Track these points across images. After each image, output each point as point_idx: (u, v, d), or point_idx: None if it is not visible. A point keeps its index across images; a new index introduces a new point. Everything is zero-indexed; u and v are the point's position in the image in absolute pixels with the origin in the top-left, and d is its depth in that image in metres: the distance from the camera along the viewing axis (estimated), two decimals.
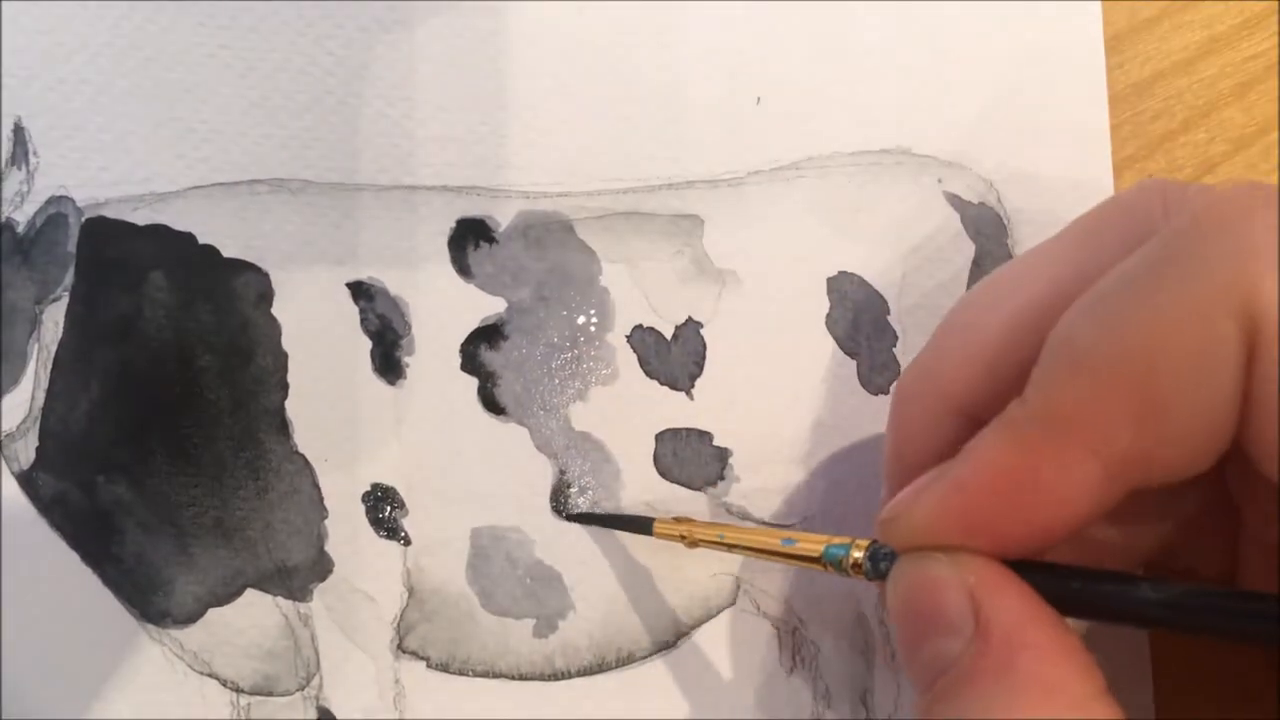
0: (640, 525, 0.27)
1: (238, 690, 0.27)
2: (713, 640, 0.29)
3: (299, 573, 0.27)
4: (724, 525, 0.27)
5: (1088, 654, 0.18)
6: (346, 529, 0.28)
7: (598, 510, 0.28)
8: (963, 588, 0.19)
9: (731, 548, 0.25)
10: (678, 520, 0.27)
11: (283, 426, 0.28)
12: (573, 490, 0.28)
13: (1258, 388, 0.17)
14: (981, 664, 0.18)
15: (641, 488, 0.29)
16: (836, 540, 0.23)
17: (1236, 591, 0.20)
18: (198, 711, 0.27)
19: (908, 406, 0.24)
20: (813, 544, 0.24)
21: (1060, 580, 0.19)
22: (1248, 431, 0.18)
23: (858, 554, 0.22)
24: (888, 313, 0.29)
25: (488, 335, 0.28)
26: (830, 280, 0.29)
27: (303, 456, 0.28)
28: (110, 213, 0.28)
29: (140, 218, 0.27)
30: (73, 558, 0.27)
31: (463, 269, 0.28)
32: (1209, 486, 0.22)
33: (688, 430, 0.29)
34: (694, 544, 0.26)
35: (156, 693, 0.27)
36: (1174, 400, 0.17)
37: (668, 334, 0.29)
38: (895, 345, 0.29)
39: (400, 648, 0.28)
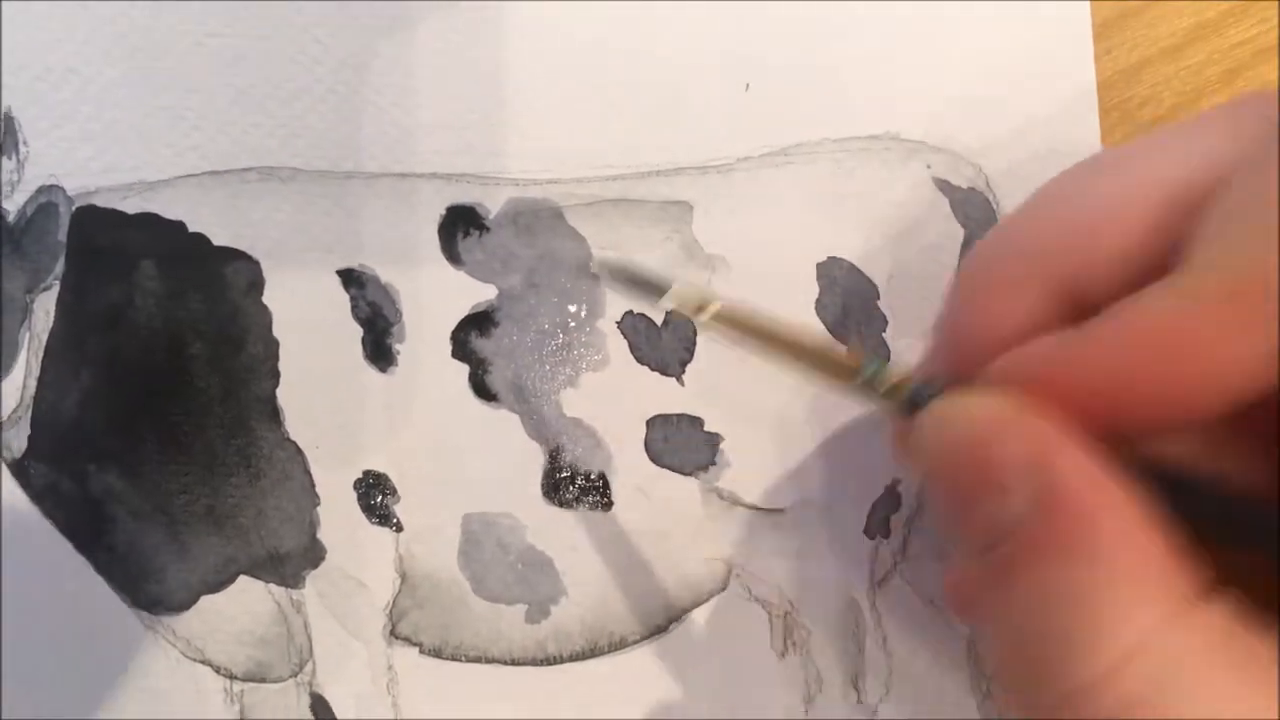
0: (658, 289, 0.24)
1: (231, 677, 0.27)
2: (705, 625, 0.29)
3: (291, 559, 0.28)
4: (749, 309, 0.23)
5: (1167, 515, 0.17)
6: (338, 516, 0.28)
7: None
8: (1020, 441, 0.17)
9: (746, 330, 0.22)
10: (702, 290, 0.24)
11: (274, 414, 0.28)
12: (564, 477, 0.28)
13: None
14: (1053, 534, 0.16)
15: (633, 474, 0.29)
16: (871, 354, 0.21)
17: None
18: (191, 698, 0.27)
19: (991, 273, 0.21)
20: (849, 357, 0.21)
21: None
22: None
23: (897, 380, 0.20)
24: (877, 298, 0.29)
25: (478, 322, 0.28)
26: (820, 265, 0.29)
27: (294, 444, 0.28)
28: (100, 201, 0.28)
29: (130, 206, 0.28)
30: (65, 546, 0.27)
31: (453, 256, 0.28)
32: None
33: (679, 416, 0.29)
34: (703, 314, 0.22)
35: (149, 679, 0.27)
36: None
37: (658, 320, 0.29)
38: (884, 330, 0.29)
39: (393, 634, 0.28)
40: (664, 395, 0.29)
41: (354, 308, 0.28)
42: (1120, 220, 0.19)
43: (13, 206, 0.27)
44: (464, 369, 0.28)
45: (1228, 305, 0.16)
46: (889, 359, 0.29)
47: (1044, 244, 0.20)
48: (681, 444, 0.29)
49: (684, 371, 0.29)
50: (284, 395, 0.28)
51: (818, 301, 0.29)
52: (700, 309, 0.23)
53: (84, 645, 0.27)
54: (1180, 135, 0.19)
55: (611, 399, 0.29)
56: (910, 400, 0.20)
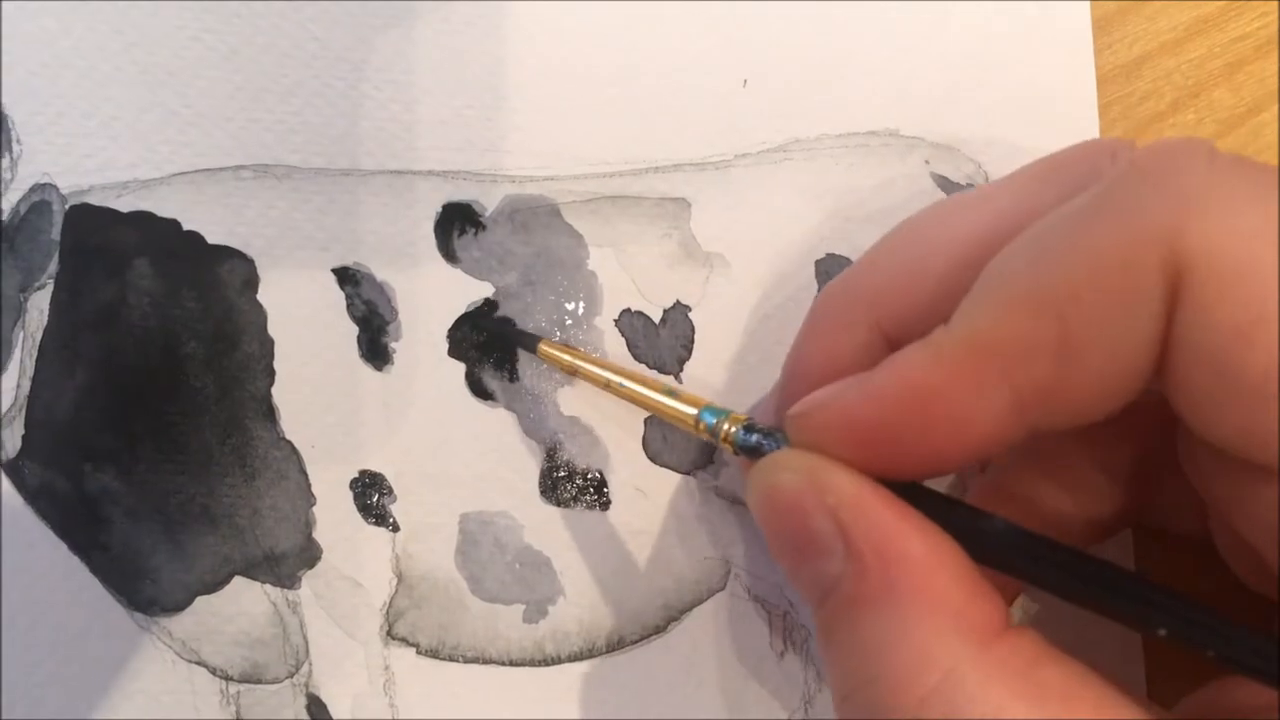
0: (528, 342, 0.28)
1: (227, 678, 0.27)
2: (703, 624, 0.29)
3: (287, 560, 0.27)
4: (612, 365, 0.27)
5: (963, 556, 0.18)
6: (335, 516, 0.28)
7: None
8: (825, 508, 0.19)
9: (608, 385, 0.26)
10: (567, 347, 0.27)
11: (269, 413, 0.27)
12: (561, 476, 0.28)
13: (1179, 333, 0.17)
14: (862, 588, 0.18)
15: (631, 472, 0.28)
16: (716, 405, 0.24)
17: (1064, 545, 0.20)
18: (187, 699, 0.27)
19: (829, 313, 0.23)
20: (691, 403, 0.24)
21: (937, 505, 0.19)
22: (1169, 377, 0.18)
23: (730, 427, 0.23)
24: None
25: (475, 320, 0.28)
26: (818, 263, 0.29)
27: (290, 443, 0.27)
28: (94, 199, 0.27)
29: (124, 204, 0.27)
30: (60, 546, 0.27)
31: (449, 254, 0.28)
32: (1152, 451, 0.22)
33: None
34: (573, 372, 0.27)
35: (145, 681, 0.27)
36: (1094, 338, 0.17)
37: (656, 317, 0.29)
38: None
39: (389, 634, 0.28)
40: None
41: (349, 306, 0.28)
42: (930, 270, 0.21)
43: (6, 205, 0.27)
44: (460, 367, 0.28)
45: (967, 362, 0.18)
46: None
47: (873, 286, 0.22)
48: (679, 442, 0.29)
49: (682, 369, 0.29)
50: (279, 394, 0.27)
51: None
52: (567, 360, 0.27)
53: (79, 646, 0.27)
54: (1012, 184, 0.21)
55: (609, 397, 0.28)
56: (746, 447, 0.22)
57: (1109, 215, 0.17)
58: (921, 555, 0.18)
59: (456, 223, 0.28)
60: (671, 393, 0.25)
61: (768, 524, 0.20)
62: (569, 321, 0.28)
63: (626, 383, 0.26)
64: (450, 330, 0.28)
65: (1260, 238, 0.16)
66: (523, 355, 0.28)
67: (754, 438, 0.22)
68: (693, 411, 0.24)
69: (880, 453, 0.19)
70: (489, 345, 0.28)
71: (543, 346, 0.27)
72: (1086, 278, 0.17)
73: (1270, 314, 0.16)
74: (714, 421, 0.23)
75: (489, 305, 0.28)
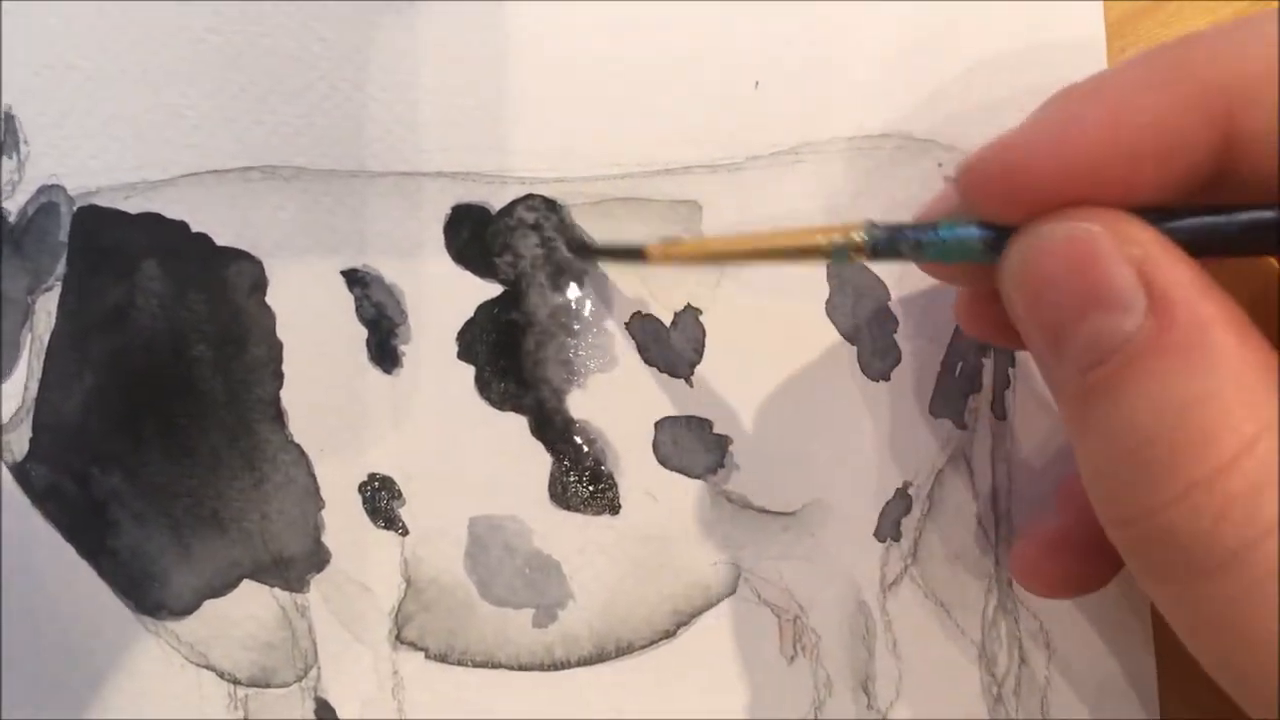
0: (634, 254, 0.26)
1: (235, 682, 0.27)
2: (713, 629, 0.29)
3: (296, 564, 0.27)
4: (718, 240, 0.26)
5: (1251, 322, 0.18)
6: (343, 519, 0.27)
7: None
8: (1125, 257, 0.18)
9: (726, 257, 0.25)
10: (669, 244, 0.26)
11: (278, 416, 0.27)
12: (571, 479, 0.28)
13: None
14: (1166, 340, 0.17)
15: (641, 476, 0.28)
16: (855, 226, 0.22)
17: None
18: (195, 703, 0.27)
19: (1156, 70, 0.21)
20: (827, 231, 0.22)
21: (1191, 220, 0.19)
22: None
23: (859, 236, 0.22)
24: (889, 299, 0.29)
25: (484, 323, 0.28)
26: (830, 265, 0.29)
27: (298, 446, 0.27)
28: (102, 201, 0.27)
29: (132, 206, 0.27)
30: (67, 550, 0.27)
31: (459, 255, 0.28)
32: None
33: (687, 418, 0.28)
34: (701, 260, 0.26)
35: (153, 684, 0.27)
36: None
37: (667, 321, 0.29)
38: (896, 331, 0.29)
39: (398, 638, 0.28)
40: (672, 397, 0.28)
41: (358, 308, 0.28)
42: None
43: (13, 206, 0.27)
44: (470, 370, 0.28)
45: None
46: (899, 359, 0.29)
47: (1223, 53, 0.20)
48: (690, 446, 0.28)
49: (693, 373, 0.29)
50: (288, 397, 0.27)
51: (828, 302, 0.29)
52: (677, 253, 0.25)
53: (86, 650, 0.27)
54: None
55: (619, 401, 0.28)
56: (927, 244, 0.21)
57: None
58: (1236, 316, 0.17)
59: (466, 224, 0.28)
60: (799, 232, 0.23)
61: (1052, 279, 0.19)
62: (578, 325, 0.28)
63: (753, 245, 0.24)
64: (460, 332, 0.28)
65: None
66: (531, 359, 0.28)
67: (967, 229, 0.20)
68: (854, 233, 0.22)
69: (1097, 188, 0.18)
70: (498, 348, 0.28)
71: (650, 251, 0.25)
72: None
73: None
74: (870, 232, 0.22)
75: (498, 304, 0.28)
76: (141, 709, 0.27)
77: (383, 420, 0.28)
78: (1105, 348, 0.18)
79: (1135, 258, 0.18)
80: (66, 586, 0.27)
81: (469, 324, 0.28)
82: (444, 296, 0.28)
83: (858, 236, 0.22)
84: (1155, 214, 0.19)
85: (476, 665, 0.28)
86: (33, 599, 0.27)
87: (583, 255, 0.28)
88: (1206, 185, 0.19)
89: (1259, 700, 0.17)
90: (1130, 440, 0.17)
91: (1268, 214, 0.19)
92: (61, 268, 0.27)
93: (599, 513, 0.28)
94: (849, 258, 0.22)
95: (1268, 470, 0.16)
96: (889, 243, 0.22)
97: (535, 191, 0.28)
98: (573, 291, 0.28)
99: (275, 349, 0.27)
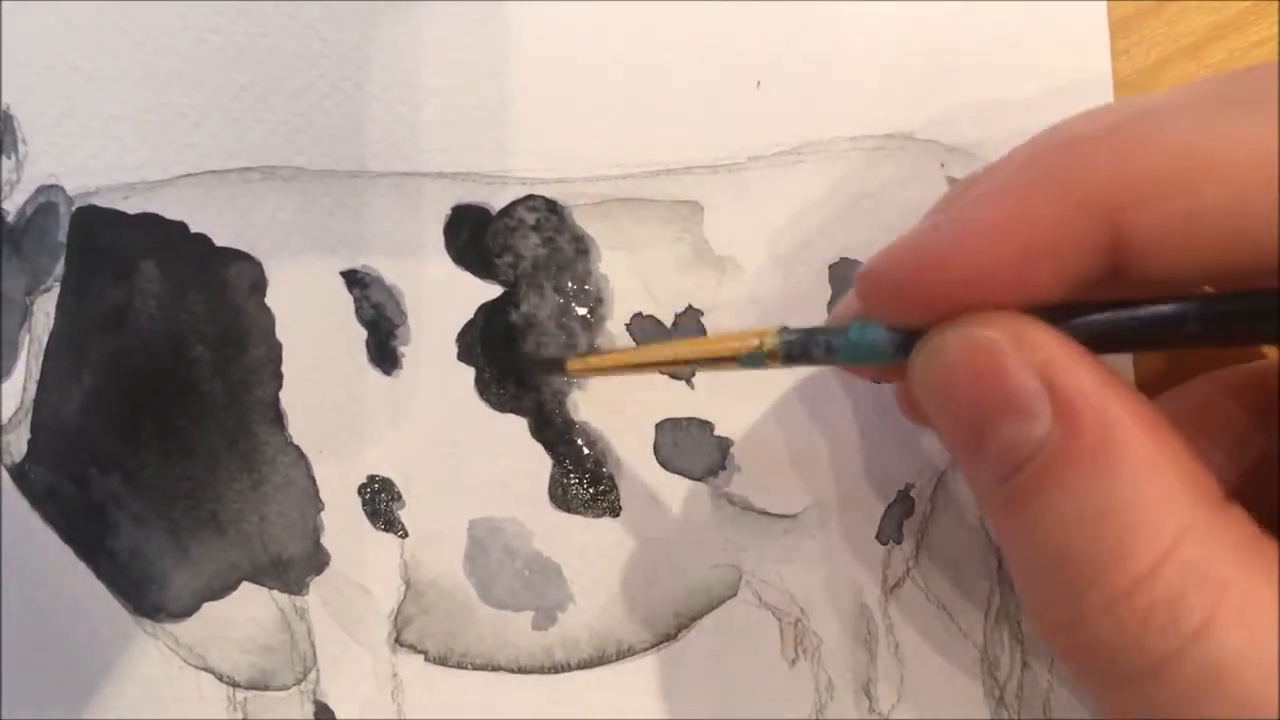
0: (552, 367, 0.27)
1: (234, 684, 0.27)
2: (714, 632, 0.28)
3: (295, 566, 0.27)
4: (642, 350, 0.26)
5: (1163, 418, 0.17)
6: (343, 521, 0.27)
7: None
8: (1028, 363, 0.18)
9: (640, 367, 0.25)
10: (582, 356, 0.26)
11: (277, 418, 0.27)
12: (571, 481, 0.28)
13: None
14: (1074, 447, 0.17)
15: (642, 478, 0.28)
16: (758, 331, 0.22)
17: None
18: (194, 706, 0.27)
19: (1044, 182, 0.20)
20: (741, 337, 0.23)
21: (1091, 317, 0.19)
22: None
23: (772, 342, 0.22)
24: None
25: (484, 324, 0.28)
26: (832, 267, 0.29)
27: (297, 448, 0.27)
28: (101, 201, 0.27)
29: (131, 206, 0.27)
30: (66, 552, 0.27)
31: (459, 257, 0.28)
32: None
33: (688, 420, 0.28)
34: (613, 371, 0.25)
35: (152, 687, 0.27)
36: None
37: (668, 322, 0.28)
38: None
39: (398, 641, 0.27)
40: (673, 399, 0.28)
41: (358, 309, 0.28)
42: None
43: (12, 207, 0.27)
44: (470, 371, 0.28)
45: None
46: None
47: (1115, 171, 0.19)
48: (691, 448, 0.28)
49: (694, 374, 0.28)
50: (287, 399, 0.27)
51: (830, 304, 0.29)
52: (595, 365, 0.25)
53: (85, 652, 0.27)
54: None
55: (620, 402, 0.28)
56: (809, 349, 0.21)
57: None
58: (1145, 414, 0.17)
59: (466, 225, 0.28)
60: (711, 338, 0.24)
61: (956, 388, 0.19)
62: (579, 326, 0.28)
63: (666, 354, 0.24)
64: (459, 334, 0.28)
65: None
66: (530, 358, 0.28)
67: (842, 336, 0.21)
68: (758, 340, 0.22)
69: (975, 295, 0.18)
70: (499, 349, 0.28)
71: (570, 365, 0.26)
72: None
73: None
74: (782, 338, 0.22)
75: (498, 305, 0.28)
76: (141, 711, 0.27)
77: (382, 422, 0.28)
78: (1017, 457, 0.18)
79: (1037, 363, 0.18)
80: (65, 588, 0.27)
81: (469, 325, 0.28)
82: (444, 297, 0.28)
83: (770, 343, 0.22)
84: (1056, 312, 0.19)
85: (476, 668, 0.28)
86: (31, 600, 0.27)
87: (515, 365, 0.28)
88: (1103, 280, 0.19)
89: None
90: (1050, 553, 0.17)
91: (1165, 308, 0.18)
92: (60, 268, 0.27)
93: (599, 515, 0.28)
94: (763, 363, 0.22)
95: (1188, 575, 0.16)
96: (802, 347, 0.22)
97: (536, 192, 0.28)
98: (573, 292, 0.28)
99: (275, 350, 0.27)
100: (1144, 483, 0.16)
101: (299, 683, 0.27)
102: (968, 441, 0.19)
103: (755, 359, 0.22)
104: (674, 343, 0.25)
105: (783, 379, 0.29)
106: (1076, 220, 0.18)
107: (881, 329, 0.21)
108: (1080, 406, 0.17)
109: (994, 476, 0.18)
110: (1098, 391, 0.17)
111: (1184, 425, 0.19)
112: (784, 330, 0.22)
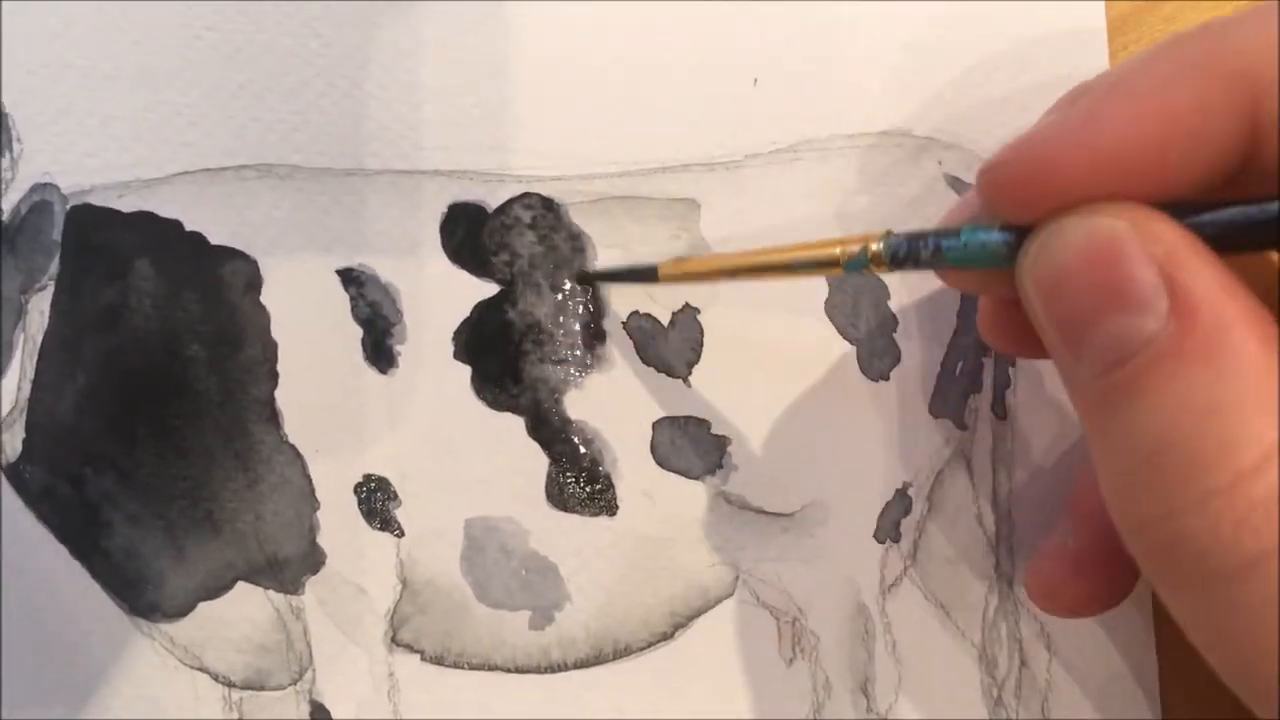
0: (646, 274, 0.26)
1: (229, 684, 0.27)
2: (711, 632, 0.28)
3: (291, 565, 0.27)
4: (730, 256, 0.25)
5: (1277, 326, 0.17)
6: (339, 520, 0.27)
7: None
8: (1149, 256, 0.17)
9: (739, 273, 0.24)
10: (678, 261, 0.26)
11: (273, 417, 0.27)
12: (568, 480, 0.28)
13: None
14: (1187, 344, 0.17)
15: (638, 477, 0.28)
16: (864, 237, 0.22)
17: None
18: (189, 706, 0.27)
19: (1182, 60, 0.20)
20: (841, 243, 0.22)
21: (1219, 213, 0.18)
22: None
23: (877, 245, 0.21)
24: (888, 298, 0.29)
25: (481, 322, 0.28)
26: None
27: (293, 447, 0.27)
28: (95, 200, 0.27)
29: (126, 204, 0.27)
30: (61, 551, 0.27)
31: (455, 255, 0.28)
32: None
33: (685, 418, 0.28)
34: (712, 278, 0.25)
35: (147, 687, 0.27)
36: None
37: (665, 320, 0.28)
38: (895, 330, 0.29)
39: (394, 641, 0.27)
40: (670, 397, 0.28)
41: (354, 308, 0.28)
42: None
43: (7, 205, 0.27)
44: (466, 370, 0.28)
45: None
46: (899, 358, 0.29)
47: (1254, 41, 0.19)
48: (688, 447, 0.28)
49: (690, 373, 0.28)
50: (283, 397, 0.27)
51: (827, 301, 0.29)
52: (688, 269, 0.25)
53: (80, 652, 0.27)
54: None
55: (616, 401, 0.28)
56: (938, 249, 0.21)
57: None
58: (1260, 320, 0.17)
59: (463, 223, 0.28)
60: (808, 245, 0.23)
61: (1070, 277, 0.18)
62: (576, 324, 0.28)
63: (767, 259, 0.24)
64: (456, 332, 0.28)
65: None
66: (528, 358, 0.28)
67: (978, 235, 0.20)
68: (872, 243, 0.22)
69: (1121, 180, 0.18)
70: (494, 348, 0.28)
71: (662, 269, 0.26)
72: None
73: None
74: (889, 239, 0.21)
75: (495, 303, 0.28)
76: (135, 711, 0.27)
77: (378, 421, 0.27)
78: (1125, 350, 0.17)
79: (1158, 256, 0.17)
80: (60, 588, 0.27)
81: (465, 323, 0.28)
82: (440, 296, 0.28)
83: (875, 246, 0.22)
84: (1181, 208, 0.18)
85: (473, 667, 0.28)
86: (26, 600, 0.27)
87: (593, 280, 0.28)
88: (1232, 179, 0.19)
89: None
90: (1149, 445, 0.17)
91: None
92: (55, 267, 0.27)
93: (596, 514, 0.28)
94: (866, 268, 0.22)
95: None
96: (909, 250, 0.21)
97: (533, 190, 0.28)
98: (570, 290, 0.28)
99: (270, 349, 0.27)
100: (1253, 386, 0.16)
101: (295, 683, 0.27)
102: (1073, 334, 0.18)
103: (859, 262, 0.22)
104: (776, 248, 0.24)
105: (779, 376, 0.28)
106: (1212, 110, 0.18)
107: (995, 231, 0.20)
108: (1198, 305, 0.17)
109: (1097, 370, 0.18)
110: (1217, 291, 0.17)
111: None
112: (889, 233, 0.22)
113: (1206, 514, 0.16)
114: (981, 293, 0.25)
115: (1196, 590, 0.17)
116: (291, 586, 0.27)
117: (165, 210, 0.27)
